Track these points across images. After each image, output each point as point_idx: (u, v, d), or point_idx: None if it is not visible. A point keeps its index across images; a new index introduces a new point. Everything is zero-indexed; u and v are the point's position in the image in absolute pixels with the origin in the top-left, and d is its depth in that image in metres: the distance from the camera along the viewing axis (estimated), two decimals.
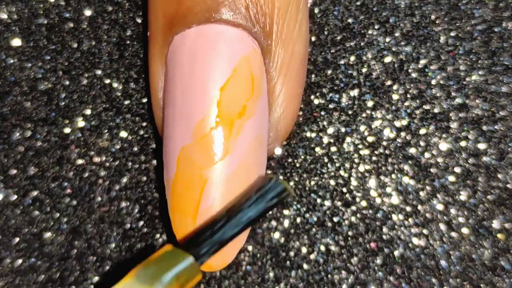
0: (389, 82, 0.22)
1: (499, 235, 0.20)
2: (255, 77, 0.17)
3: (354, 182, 0.21)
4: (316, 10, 0.22)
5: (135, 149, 0.20)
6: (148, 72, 0.19)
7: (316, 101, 0.21)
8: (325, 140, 0.21)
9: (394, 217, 0.20)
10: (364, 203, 0.20)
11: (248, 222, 0.15)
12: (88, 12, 0.21)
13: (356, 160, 0.21)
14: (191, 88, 0.16)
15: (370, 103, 0.22)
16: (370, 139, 0.21)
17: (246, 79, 0.17)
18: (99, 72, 0.21)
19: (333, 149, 0.21)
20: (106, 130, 0.20)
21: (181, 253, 0.14)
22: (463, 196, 0.21)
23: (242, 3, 0.17)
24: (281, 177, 0.17)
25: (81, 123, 0.20)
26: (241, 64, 0.16)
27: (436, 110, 0.21)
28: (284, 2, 0.17)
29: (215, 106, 0.16)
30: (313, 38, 0.22)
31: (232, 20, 0.17)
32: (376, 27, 0.22)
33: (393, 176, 0.21)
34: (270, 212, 0.20)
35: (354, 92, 0.22)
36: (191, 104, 0.16)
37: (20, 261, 0.19)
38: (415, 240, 0.20)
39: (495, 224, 0.20)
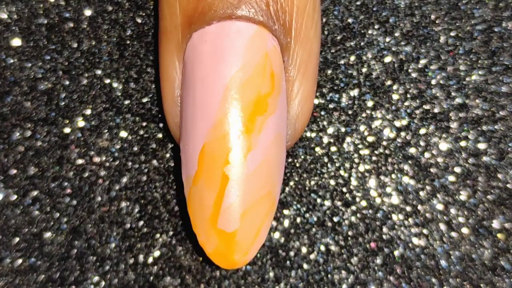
0: (389, 82, 0.22)
1: (499, 235, 0.20)
2: (276, 74, 0.17)
3: (354, 182, 0.21)
4: None
5: (135, 149, 0.20)
6: (156, 69, 0.19)
7: (316, 101, 0.21)
8: (325, 140, 0.21)
9: (394, 217, 0.20)
10: (364, 203, 0.20)
11: None
12: (88, 12, 0.21)
13: (356, 160, 0.21)
14: (212, 85, 0.16)
15: (370, 103, 0.22)
16: (370, 139, 0.21)
17: (267, 76, 0.17)
18: (99, 72, 0.21)
19: (333, 149, 0.21)
20: (106, 130, 0.20)
21: None
22: (463, 196, 0.21)
23: (263, 0, 0.17)
24: None
25: (81, 123, 0.20)
26: (262, 61, 0.17)
27: (436, 110, 0.21)
28: (303, 1, 0.17)
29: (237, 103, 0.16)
30: None
31: (253, 17, 0.17)
32: (376, 27, 0.22)
33: (393, 176, 0.21)
34: None
35: (354, 92, 0.22)
36: (212, 101, 0.16)
37: (20, 261, 0.19)
38: (415, 240, 0.20)
39: (495, 224, 0.20)
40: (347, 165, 0.21)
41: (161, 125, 0.21)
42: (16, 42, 0.21)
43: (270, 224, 0.18)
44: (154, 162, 0.20)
